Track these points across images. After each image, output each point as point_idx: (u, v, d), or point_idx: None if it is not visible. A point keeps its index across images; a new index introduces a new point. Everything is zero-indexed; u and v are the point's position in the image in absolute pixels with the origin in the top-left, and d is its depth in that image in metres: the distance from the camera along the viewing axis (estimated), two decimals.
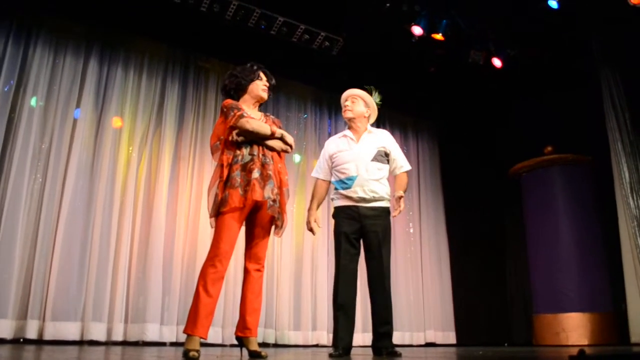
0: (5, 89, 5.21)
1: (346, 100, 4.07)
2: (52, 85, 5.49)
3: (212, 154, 3.27)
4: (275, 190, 3.19)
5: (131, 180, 5.66)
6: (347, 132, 4.03)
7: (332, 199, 3.95)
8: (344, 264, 3.77)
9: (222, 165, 3.17)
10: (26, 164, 5.11)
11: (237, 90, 3.41)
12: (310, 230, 3.91)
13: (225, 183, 3.13)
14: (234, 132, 3.18)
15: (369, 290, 3.84)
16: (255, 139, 3.19)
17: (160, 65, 6.20)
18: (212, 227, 3.17)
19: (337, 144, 4.00)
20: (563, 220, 7.10)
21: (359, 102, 4.04)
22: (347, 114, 4.02)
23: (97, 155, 5.54)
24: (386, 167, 3.95)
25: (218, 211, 3.12)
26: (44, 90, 5.42)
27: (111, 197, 5.50)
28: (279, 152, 3.30)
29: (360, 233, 3.82)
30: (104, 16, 5.79)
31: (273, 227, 3.30)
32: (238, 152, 3.17)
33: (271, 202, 3.13)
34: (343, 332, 3.70)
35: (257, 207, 3.17)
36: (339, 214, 3.85)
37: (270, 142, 3.24)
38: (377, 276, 3.80)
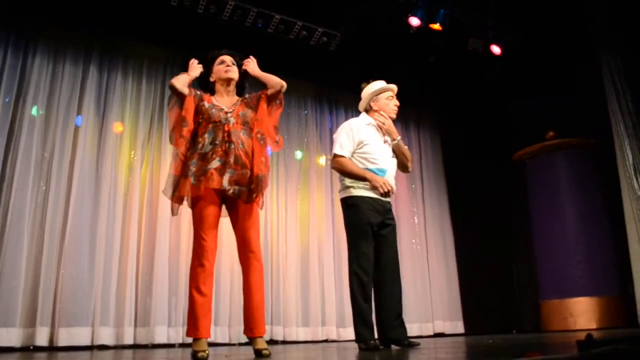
0: (6, 100, 5.25)
1: (393, 98, 4.03)
2: (52, 93, 5.54)
3: (170, 139, 3.23)
4: (249, 173, 3.12)
5: (135, 184, 5.71)
6: (372, 121, 3.95)
7: (351, 187, 3.76)
8: (369, 254, 3.67)
9: (176, 155, 3.18)
10: (29, 172, 5.16)
11: (202, 84, 3.42)
12: (387, 191, 3.65)
13: (181, 173, 3.14)
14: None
15: (380, 282, 3.75)
16: (181, 91, 3.17)
17: (159, 68, 6.23)
18: (172, 213, 3.26)
19: (367, 131, 3.88)
20: (568, 204, 7.09)
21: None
22: (393, 115, 4.01)
23: (100, 160, 5.58)
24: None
25: (174, 196, 3.16)
26: (44, 99, 5.47)
27: (115, 201, 5.55)
28: (250, 132, 3.24)
29: (380, 226, 3.78)
30: (102, 23, 5.82)
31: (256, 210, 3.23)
32: (199, 139, 3.16)
33: (233, 189, 3.07)
34: (372, 323, 3.63)
35: (226, 197, 3.15)
36: (363, 203, 3.70)
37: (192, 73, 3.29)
38: (394, 268, 3.80)
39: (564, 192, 7.16)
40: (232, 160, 3.08)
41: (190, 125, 3.17)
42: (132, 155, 5.85)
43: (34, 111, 5.39)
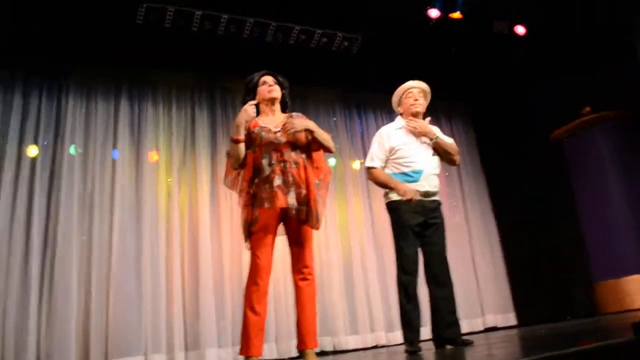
0: (45, 143, 5.49)
1: (411, 94, 4.05)
2: (88, 130, 5.74)
3: (226, 184, 3.38)
4: (303, 193, 3.19)
5: (174, 209, 5.84)
6: (404, 123, 4.02)
7: (389, 192, 3.89)
8: (411, 255, 3.77)
9: (241, 190, 3.28)
10: (73, 210, 5.36)
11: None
12: (411, 198, 3.72)
13: (253, 205, 3.20)
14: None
15: (430, 282, 3.84)
16: (241, 158, 3.24)
17: (187, 93, 6.38)
18: (248, 249, 3.24)
19: (398, 136, 3.97)
20: (612, 180, 6.88)
21: (425, 97, 4.09)
22: (417, 108, 4.02)
23: (139, 190, 5.75)
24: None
25: (250, 231, 3.19)
26: (80, 137, 5.67)
27: (157, 229, 5.70)
28: (303, 153, 3.31)
29: (423, 226, 3.84)
30: (129, 57, 5.97)
31: (311, 229, 3.29)
32: (261, 165, 3.24)
33: (295, 209, 3.15)
34: (418, 325, 3.72)
35: (285, 215, 3.21)
36: (402, 207, 3.80)
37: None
38: (443, 267, 3.86)
39: (607, 168, 6.95)
40: (290, 179, 3.18)
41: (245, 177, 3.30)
42: (169, 182, 5.99)
43: (72, 150, 5.59)
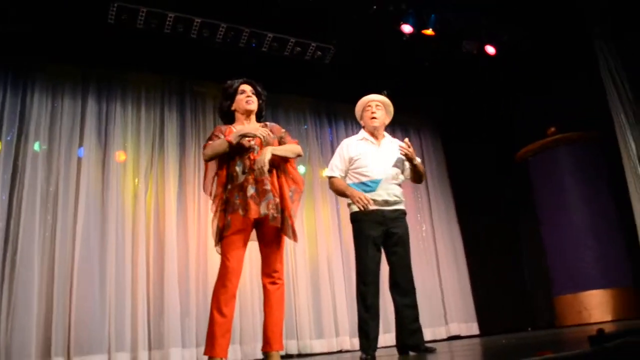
0: (8, 138, 5.37)
1: (369, 107, 4.09)
2: (53, 127, 5.64)
3: (204, 190, 3.38)
4: (277, 201, 3.21)
5: (140, 210, 5.79)
6: (366, 135, 4.08)
7: (351, 203, 3.93)
8: (371, 266, 3.80)
9: (215, 196, 3.29)
10: (36, 207, 5.25)
11: (226, 114, 3.53)
12: (365, 204, 3.74)
13: (225, 210, 3.21)
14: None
15: (393, 291, 3.89)
16: (229, 156, 3.27)
17: (157, 95, 6.33)
18: (218, 253, 3.23)
19: (357, 147, 4.03)
20: (574, 198, 7.07)
21: (382, 109, 4.11)
22: (375, 123, 4.04)
23: (105, 190, 5.67)
24: (401, 174, 4.05)
25: (221, 236, 3.20)
26: (45, 134, 5.57)
27: (123, 228, 5.63)
28: (278, 164, 3.32)
29: (385, 236, 3.88)
30: (98, 55, 5.91)
31: (284, 236, 3.31)
32: (232, 172, 3.26)
33: (273, 215, 3.15)
34: (374, 334, 3.74)
35: (259, 221, 3.22)
36: (362, 217, 3.86)
37: (257, 157, 3.24)
38: (406, 276, 3.89)
39: (569, 187, 7.14)
40: (265, 187, 3.17)
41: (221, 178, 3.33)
42: (136, 183, 5.92)
43: (36, 146, 5.49)
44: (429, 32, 6.68)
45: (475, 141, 7.98)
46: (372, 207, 3.79)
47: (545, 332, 5.82)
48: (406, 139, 3.97)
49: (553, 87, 7.55)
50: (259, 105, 3.52)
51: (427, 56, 7.18)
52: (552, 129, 7.41)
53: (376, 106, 4.09)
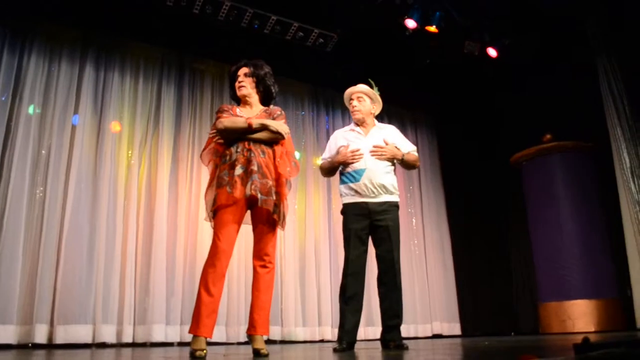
0: (2, 99, 5.24)
1: (352, 100, 4.08)
2: (49, 92, 5.51)
3: (202, 160, 3.37)
4: (270, 184, 3.17)
5: (132, 183, 5.71)
6: (355, 126, 4.09)
7: (341, 195, 3.97)
8: (353, 259, 3.82)
9: (211, 172, 3.29)
10: (26, 170, 5.15)
11: (235, 100, 3.53)
12: (354, 153, 3.85)
13: (215, 185, 3.20)
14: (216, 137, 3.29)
15: (379, 285, 3.89)
16: (236, 136, 3.21)
17: (156, 68, 6.23)
18: (211, 227, 3.21)
19: (345, 137, 4.05)
20: (565, 207, 7.07)
21: (365, 100, 4.06)
22: (357, 115, 4.04)
23: (98, 160, 5.57)
24: (390, 164, 3.99)
25: (211, 211, 3.19)
26: (40, 98, 5.45)
27: (114, 200, 5.55)
28: (272, 144, 3.27)
29: (370, 229, 3.87)
30: (99, 21, 5.81)
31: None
32: (227, 152, 3.24)
33: (263, 197, 3.11)
34: (349, 326, 3.74)
35: (252, 203, 3.17)
36: (348, 210, 3.88)
37: (258, 135, 3.22)
38: (389, 271, 3.85)
39: (561, 195, 7.13)
40: (254, 167, 3.13)
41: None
42: (130, 155, 5.83)
43: (30, 109, 5.37)
44: (433, 29, 6.65)
45: (471, 142, 8.01)
46: (357, 199, 3.84)
47: (529, 338, 5.83)
48: (384, 139, 3.95)
49: (551, 95, 7.55)
50: (264, 88, 3.41)
51: (428, 53, 7.16)
52: (548, 136, 7.40)
53: (358, 98, 4.07)
